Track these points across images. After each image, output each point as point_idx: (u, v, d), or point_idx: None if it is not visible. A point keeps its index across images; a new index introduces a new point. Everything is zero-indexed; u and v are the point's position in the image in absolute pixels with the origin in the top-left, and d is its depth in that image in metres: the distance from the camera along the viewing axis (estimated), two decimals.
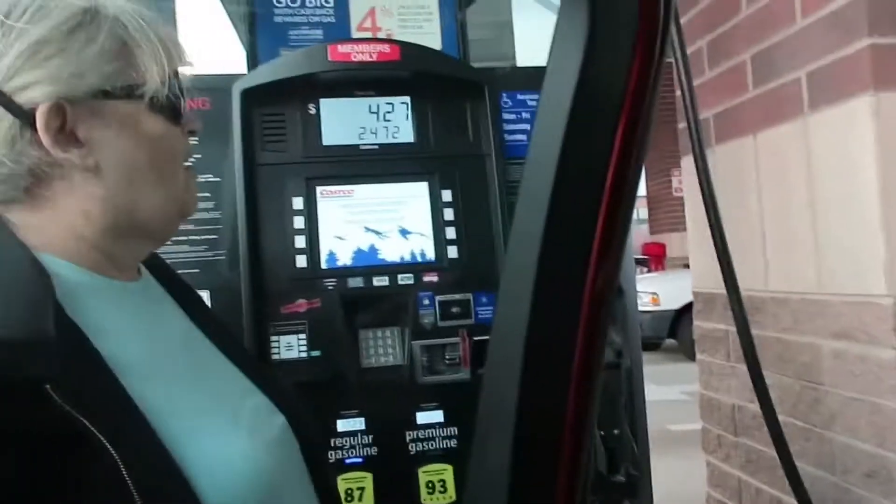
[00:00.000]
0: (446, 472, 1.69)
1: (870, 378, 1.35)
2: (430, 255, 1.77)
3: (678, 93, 1.93)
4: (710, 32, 1.79)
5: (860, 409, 1.38)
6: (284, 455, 0.78)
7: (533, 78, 1.79)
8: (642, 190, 11.36)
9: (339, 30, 2.03)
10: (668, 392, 6.16)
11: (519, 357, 0.50)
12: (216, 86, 1.69)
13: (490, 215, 1.76)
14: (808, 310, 1.51)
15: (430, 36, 1.99)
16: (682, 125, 1.95)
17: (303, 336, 1.69)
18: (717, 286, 1.86)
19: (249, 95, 1.71)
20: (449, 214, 1.78)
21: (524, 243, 0.49)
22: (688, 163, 1.95)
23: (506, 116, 1.78)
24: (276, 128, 1.77)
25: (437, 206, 1.78)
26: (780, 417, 1.33)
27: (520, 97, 1.79)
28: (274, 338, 1.67)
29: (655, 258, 9.86)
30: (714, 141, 1.83)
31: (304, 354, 1.68)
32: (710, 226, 1.31)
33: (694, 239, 1.98)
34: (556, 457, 0.50)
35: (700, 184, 1.30)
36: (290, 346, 1.68)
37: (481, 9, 2.33)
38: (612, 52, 0.48)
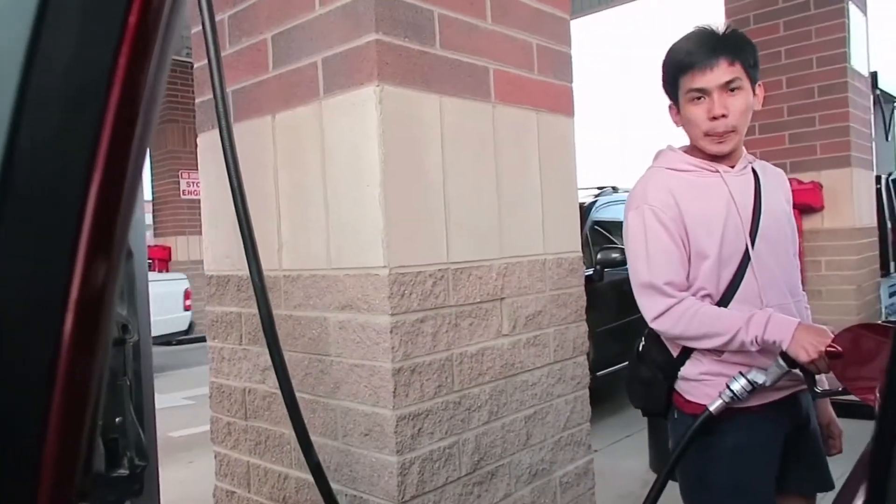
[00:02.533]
0: None
1: (368, 344, 1.49)
2: None
3: (198, 64, 1.84)
4: (232, 7, 1.75)
5: (361, 374, 1.51)
6: None
7: None
8: (148, 193, 10.76)
9: None
10: (170, 399, 5.93)
11: None
12: None
13: None
14: (318, 285, 1.59)
15: None
16: (201, 99, 1.86)
17: None
18: (231, 268, 1.83)
19: None
20: None
21: None
22: (206, 139, 1.87)
23: None
24: None
25: None
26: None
27: None
28: None
29: (160, 261, 9.43)
30: (232, 119, 1.79)
31: None
32: (234, 199, 1.25)
33: (209, 221, 1.90)
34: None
35: (225, 155, 1.24)
36: None
37: None
38: None
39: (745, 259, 1.51)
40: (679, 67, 1.53)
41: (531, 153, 1.84)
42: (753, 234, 1.52)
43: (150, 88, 0.35)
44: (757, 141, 4.95)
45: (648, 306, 1.52)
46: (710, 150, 1.55)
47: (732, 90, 1.50)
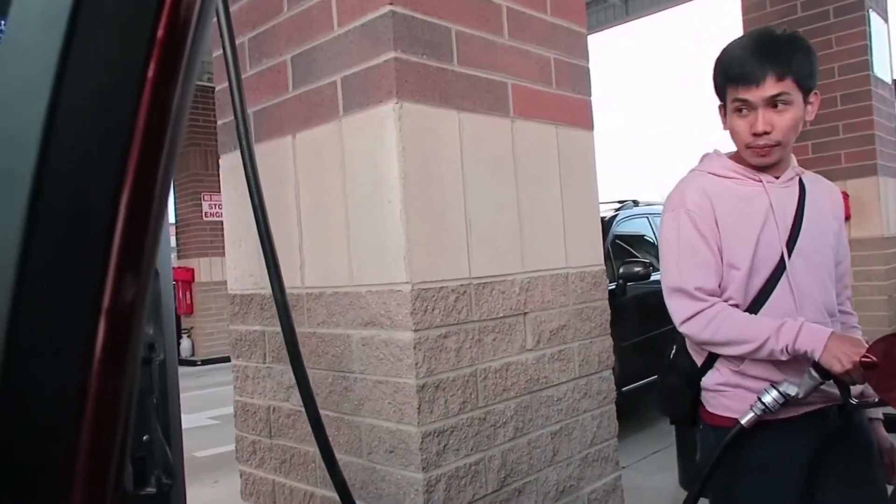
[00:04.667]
0: None
1: (392, 360, 1.48)
2: None
3: (219, 87, 1.86)
4: (252, 29, 1.78)
5: (385, 390, 1.50)
6: None
7: None
8: (171, 216, 10.91)
9: None
10: (195, 420, 5.96)
11: None
12: None
13: None
14: (341, 302, 1.59)
15: None
16: (222, 121, 1.89)
17: None
18: (254, 287, 1.84)
19: None
20: None
21: None
22: (228, 160, 1.90)
23: None
24: None
25: None
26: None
27: None
28: None
29: (184, 283, 9.55)
30: (254, 139, 1.81)
31: None
32: (256, 217, 1.26)
33: (231, 240, 1.92)
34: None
35: (246, 174, 1.25)
36: None
37: None
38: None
39: (778, 272, 1.48)
40: (727, 76, 1.48)
41: (551, 167, 1.83)
42: (791, 248, 1.48)
43: (178, 99, 0.35)
44: None
45: (677, 310, 1.50)
46: (752, 162, 1.52)
47: (777, 105, 1.45)
